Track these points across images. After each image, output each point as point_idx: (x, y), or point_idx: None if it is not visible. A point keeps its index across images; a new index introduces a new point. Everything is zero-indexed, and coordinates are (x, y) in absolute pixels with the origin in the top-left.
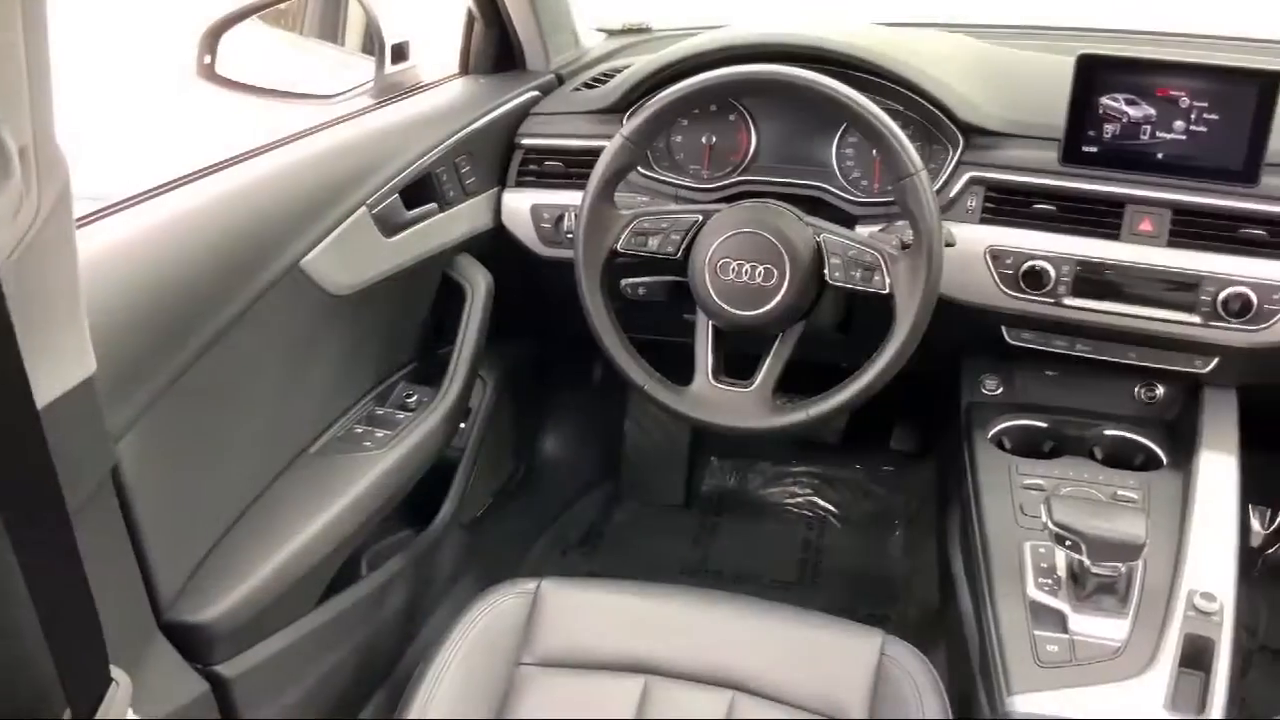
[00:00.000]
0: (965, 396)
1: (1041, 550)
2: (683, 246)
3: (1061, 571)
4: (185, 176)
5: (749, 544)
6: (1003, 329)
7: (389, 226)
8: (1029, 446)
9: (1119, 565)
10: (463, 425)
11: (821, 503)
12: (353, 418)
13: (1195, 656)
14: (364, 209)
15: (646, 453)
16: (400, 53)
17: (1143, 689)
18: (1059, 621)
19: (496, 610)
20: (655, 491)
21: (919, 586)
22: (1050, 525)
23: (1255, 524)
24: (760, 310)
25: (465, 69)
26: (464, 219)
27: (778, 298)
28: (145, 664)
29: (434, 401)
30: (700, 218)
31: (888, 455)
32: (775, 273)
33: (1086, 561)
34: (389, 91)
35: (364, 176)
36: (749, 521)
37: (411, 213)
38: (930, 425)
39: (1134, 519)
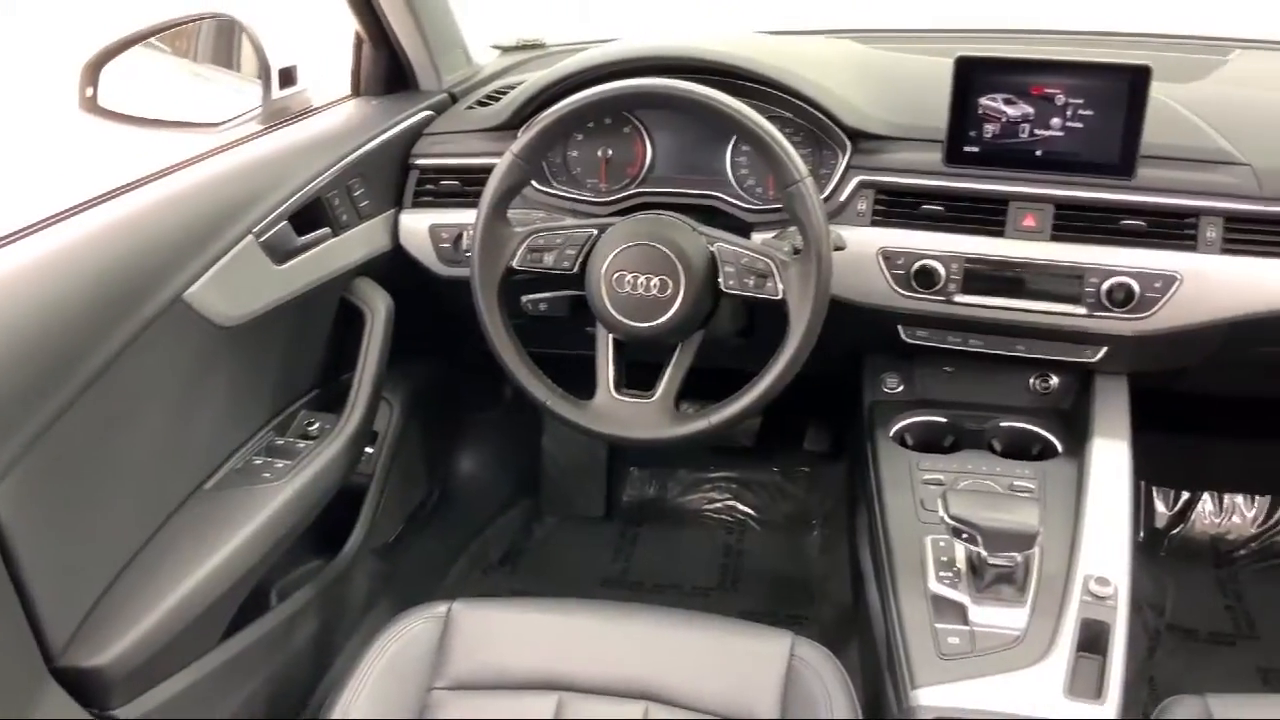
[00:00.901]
0: (868, 395)
1: (942, 544)
2: (578, 261)
3: (961, 564)
4: (58, 213)
5: (670, 552)
6: (899, 328)
7: (279, 254)
8: (930, 442)
9: (1015, 555)
10: (370, 450)
11: (740, 507)
12: (251, 449)
13: (1092, 641)
14: (251, 237)
15: (565, 466)
16: (288, 77)
17: (1041, 676)
18: (960, 613)
19: (407, 636)
20: (575, 505)
21: (834, 586)
22: (946, 519)
23: (1160, 505)
24: (657, 321)
25: (356, 91)
26: (360, 242)
27: (674, 308)
28: (36, 712)
29: (336, 428)
30: (595, 232)
31: (803, 456)
32: (670, 284)
33: (984, 553)
34: (277, 116)
35: (249, 204)
36: (670, 529)
37: (303, 239)
38: (842, 425)
39: (1028, 509)
